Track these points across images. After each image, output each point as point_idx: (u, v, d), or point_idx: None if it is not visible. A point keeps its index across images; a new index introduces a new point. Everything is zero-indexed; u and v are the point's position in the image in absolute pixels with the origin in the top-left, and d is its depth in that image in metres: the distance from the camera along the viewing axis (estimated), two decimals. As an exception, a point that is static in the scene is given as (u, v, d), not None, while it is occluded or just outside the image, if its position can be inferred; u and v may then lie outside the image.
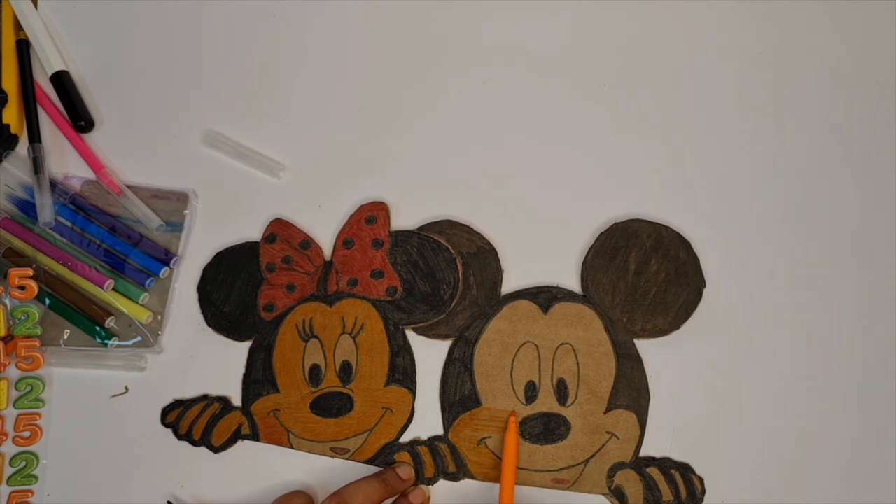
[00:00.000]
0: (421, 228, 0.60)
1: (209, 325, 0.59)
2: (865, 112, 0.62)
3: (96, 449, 0.58)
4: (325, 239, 0.60)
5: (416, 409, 0.57)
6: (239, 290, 0.59)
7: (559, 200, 0.61)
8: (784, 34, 0.64)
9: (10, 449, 0.58)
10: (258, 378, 0.58)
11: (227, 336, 0.59)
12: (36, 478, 0.57)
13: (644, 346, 0.58)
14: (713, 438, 0.57)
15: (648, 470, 0.56)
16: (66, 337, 0.59)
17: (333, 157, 0.62)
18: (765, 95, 0.63)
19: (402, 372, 0.58)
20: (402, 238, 0.60)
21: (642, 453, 0.56)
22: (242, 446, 0.57)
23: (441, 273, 0.59)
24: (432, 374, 0.58)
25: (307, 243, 0.60)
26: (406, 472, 0.56)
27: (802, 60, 0.63)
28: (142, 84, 0.64)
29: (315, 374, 0.58)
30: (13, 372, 0.58)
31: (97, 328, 0.59)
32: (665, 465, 0.56)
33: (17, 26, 0.65)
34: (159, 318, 0.59)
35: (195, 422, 0.57)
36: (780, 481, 0.56)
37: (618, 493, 0.55)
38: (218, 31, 0.65)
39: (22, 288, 0.58)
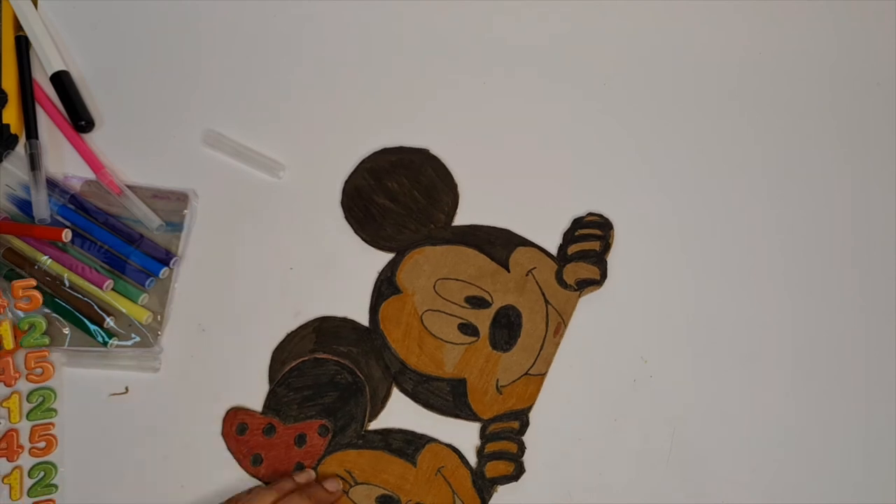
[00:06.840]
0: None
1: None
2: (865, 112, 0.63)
3: (106, 450, 0.59)
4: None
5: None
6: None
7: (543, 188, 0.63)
8: (784, 34, 0.64)
9: (27, 461, 0.58)
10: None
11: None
12: (56, 487, 0.58)
13: (650, 352, 0.61)
14: (712, 439, 0.60)
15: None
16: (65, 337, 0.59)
17: (334, 157, 0.64)
18: (764, 95, 0.63)
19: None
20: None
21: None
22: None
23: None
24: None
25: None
26: (333, 484, 0.57)
27: (802, 60, 0.63)
28: (142, 84, 0.65)
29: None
30: (24, 384, 0.59)
31: (96, 328, 0.59)
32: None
33: (17, 26, 0.65)
34: (159, 318, 0.60)
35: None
36: (779, 482, 0.59)
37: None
38: (218, 31, 0.66)
39: (27, 299, 0.58)
